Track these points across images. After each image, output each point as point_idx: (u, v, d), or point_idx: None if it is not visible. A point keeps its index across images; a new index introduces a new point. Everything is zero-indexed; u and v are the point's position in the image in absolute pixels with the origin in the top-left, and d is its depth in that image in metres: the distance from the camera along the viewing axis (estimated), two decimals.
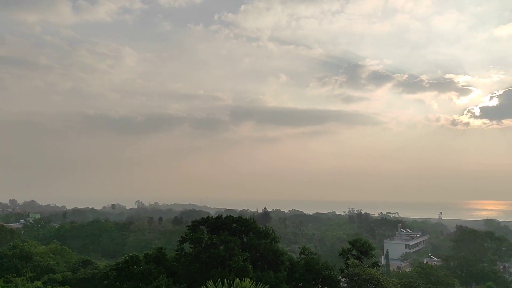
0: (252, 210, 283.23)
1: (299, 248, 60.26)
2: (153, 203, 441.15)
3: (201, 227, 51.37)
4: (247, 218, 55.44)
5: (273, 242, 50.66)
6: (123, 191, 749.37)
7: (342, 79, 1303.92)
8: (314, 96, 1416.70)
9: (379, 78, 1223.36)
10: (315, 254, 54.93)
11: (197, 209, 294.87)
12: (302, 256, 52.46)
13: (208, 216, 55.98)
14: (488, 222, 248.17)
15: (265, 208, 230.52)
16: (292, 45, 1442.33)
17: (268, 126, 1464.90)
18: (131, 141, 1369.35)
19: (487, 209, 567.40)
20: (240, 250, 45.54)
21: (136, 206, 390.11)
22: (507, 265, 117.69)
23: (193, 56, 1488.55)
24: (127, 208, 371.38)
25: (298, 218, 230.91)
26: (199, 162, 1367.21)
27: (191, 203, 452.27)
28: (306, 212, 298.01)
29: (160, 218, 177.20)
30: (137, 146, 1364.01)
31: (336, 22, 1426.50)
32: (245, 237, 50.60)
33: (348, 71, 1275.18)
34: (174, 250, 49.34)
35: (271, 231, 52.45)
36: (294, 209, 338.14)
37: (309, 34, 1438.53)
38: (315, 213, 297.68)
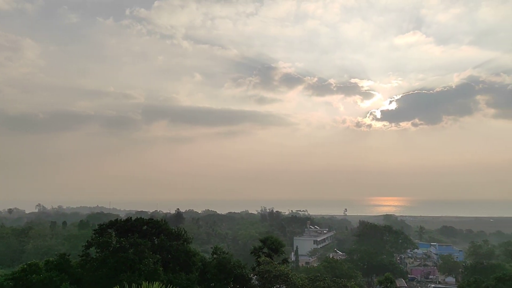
0: (164, 211, 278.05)
1: (211, 248, 60.53)
2: (57, 207, 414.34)
3: (109, 230, 49.54)
4: (159, 219, 54.58)
5: (185, 243, 50.36)
6: (21, 194, 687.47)
7: (256, 80, 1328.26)
8: (229, 97, 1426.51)
9: (291, 80, 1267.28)
10: (227, 253, 55.59)
11: (105, 212, 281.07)
12: (215, 256, 52.78)
13: (117, 219, 54.06)
14: (387, 217, 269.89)
15: (178, 209, 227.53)
16: (207, 44, 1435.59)
17: (182, 125, 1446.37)
18: (32, 140, 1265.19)
19: (386, 205, 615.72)
20: (151, 252, 44.62)
21: (37, 210, 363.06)
22: (403, 256, 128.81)
23: (102, 51, 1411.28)
24: (26, 212, 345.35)
25: (211, 218, 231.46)
26: (109, 162, 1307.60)
27: (99, 206, 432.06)
28: (219, 211, 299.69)
29: (64, 222, 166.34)
30: (39, 145, 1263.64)
31: (251, 24, 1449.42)
32: (156, 239, 49.68)
33: (262, 72, 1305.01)
34: (79, 255, 46.81)
35: (183, 232, 52.14)
36: (208, 209, 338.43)
37: (224, 34, 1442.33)
38: (229, 212, 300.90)
